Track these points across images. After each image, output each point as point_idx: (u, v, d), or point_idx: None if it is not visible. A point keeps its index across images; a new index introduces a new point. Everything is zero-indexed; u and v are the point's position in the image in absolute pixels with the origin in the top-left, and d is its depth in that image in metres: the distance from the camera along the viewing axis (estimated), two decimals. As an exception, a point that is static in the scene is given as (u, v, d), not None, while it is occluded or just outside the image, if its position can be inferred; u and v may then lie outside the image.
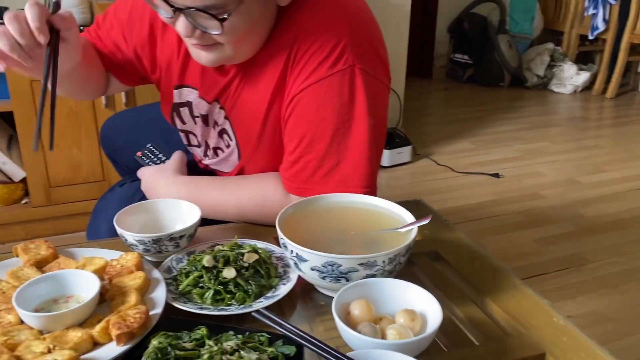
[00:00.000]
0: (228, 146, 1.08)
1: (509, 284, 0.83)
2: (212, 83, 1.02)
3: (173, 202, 0.93)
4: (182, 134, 1.16)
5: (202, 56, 0.92)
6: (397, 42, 3.05)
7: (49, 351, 0.63)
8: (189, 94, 1.07)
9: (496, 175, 2.82)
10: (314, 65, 0.91)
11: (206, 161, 1.16)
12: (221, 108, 1.04)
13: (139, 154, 1.20)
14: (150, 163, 1.16)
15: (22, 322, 0.69)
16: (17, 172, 2.09)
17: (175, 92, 1.09)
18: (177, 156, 1.10)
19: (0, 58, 0.79)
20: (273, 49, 0.94)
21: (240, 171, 1.09)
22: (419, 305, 0.70)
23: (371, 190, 0.95)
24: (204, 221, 0.93)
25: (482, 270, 0.88)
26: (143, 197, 1.09)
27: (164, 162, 1.15)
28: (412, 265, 0.89)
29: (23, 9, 0.79)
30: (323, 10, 0.92)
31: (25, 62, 0.80)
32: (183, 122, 1.13)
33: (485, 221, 2.37)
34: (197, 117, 1.09)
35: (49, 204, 2.10)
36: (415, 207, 0.88)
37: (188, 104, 1.08)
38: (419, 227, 0.81)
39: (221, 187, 1.02)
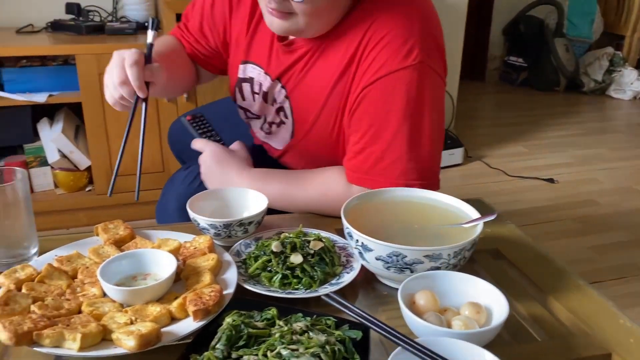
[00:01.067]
0: (283, 123, 1.11)
1: (572, 285, 0.83)
2: (277, 61, 1.05)
3: (241, 190, 0.97)
4: (240, 110, 1.20)
5: (274, 23, 0.95)
6: (452, 43, 3.02)
7: (132, 322, 0.67)
8: (253, 70, 1.11)
9: (551, 180, 2.76)
10: (384, 57, 0.92)
11: (260, 134, 1.19)
12: (282, 87, 1.06)
13: (188, 117, 1.22)
14: (197, 129, 1.18)
15: (104, 295, 0.73)
16: (82, 161, 2.19)
17: (241, 67, 1.13)
18: (241, 145, 1.13)
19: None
20: (344, 36, 0.97)
21: (287, 149, 1.13)
22: (483, 299, 0.71)
23: (430, 183, 0.96)
24: (268, 210, 0.96)
25: (544, 270, 0.88)
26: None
27: (215, 136, 1.17)
28: (473, 262, 0.89)
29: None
30: (397, 4, 0.94)
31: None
32: (243, 99, 1.16)
33: (540, 226, 2.33)
34: (257, 93, 1.12)
35: (111, 192, 2.18)
36: (476, 205, 0.89)
37: (250, 80, 1.12)
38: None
39: (287, 179, 1.05)
